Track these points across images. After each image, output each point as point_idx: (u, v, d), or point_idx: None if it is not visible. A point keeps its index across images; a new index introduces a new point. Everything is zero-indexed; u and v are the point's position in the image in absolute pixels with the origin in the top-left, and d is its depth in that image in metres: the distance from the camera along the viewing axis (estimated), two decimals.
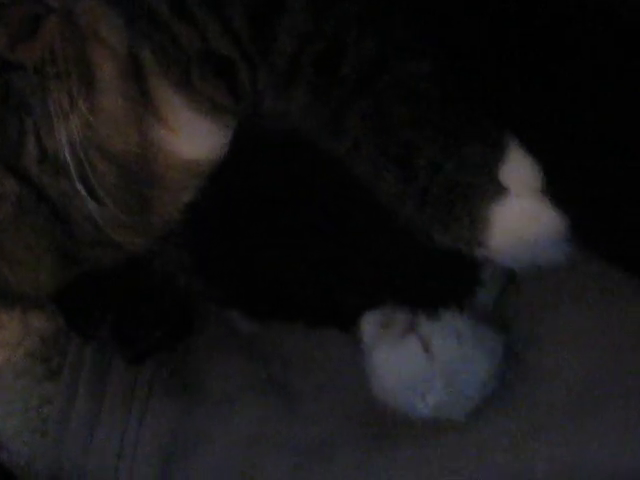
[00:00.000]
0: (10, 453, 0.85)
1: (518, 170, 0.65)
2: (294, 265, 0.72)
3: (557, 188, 0.64)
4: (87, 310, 0.77)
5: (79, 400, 0.85)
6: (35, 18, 0.68)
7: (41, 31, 0.68)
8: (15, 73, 0.68)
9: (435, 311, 0.72)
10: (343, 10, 0.68)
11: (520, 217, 0.65)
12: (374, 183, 0.68)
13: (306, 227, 0.72)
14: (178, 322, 0.79)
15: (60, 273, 0.72)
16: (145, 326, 0.77)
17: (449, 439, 0.77)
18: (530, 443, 0.74)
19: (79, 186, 0.67)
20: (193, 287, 0.74)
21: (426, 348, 0.72)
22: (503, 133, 0.65)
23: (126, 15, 0.71)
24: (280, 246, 0.72)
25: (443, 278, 0.73)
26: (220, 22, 0.71)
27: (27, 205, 0.69)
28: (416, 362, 0.72)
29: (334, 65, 0.67)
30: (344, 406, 0.81)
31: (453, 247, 0.67)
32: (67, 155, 0.67)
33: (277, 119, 0.71)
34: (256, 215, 0.72)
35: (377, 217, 0.70)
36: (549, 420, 0.75)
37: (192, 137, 0.73)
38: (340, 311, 0.75)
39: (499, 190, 0.65)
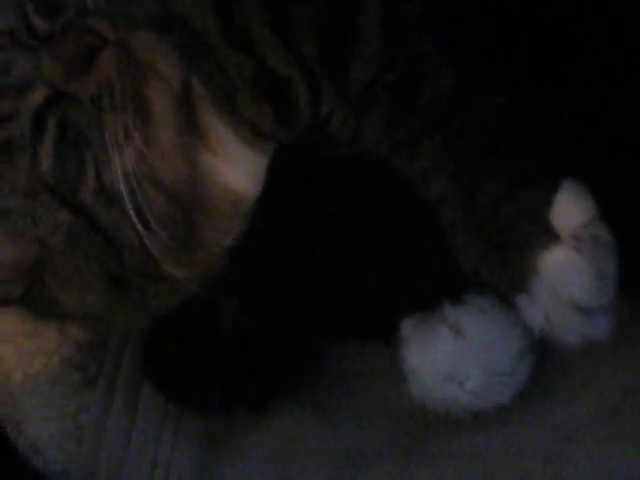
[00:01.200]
0: (46, 459, 0.86)
1: (568, 219, 0.65)
2: (347, 281, 0.73)
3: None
4: (194, 384, 0.77)
5: (115, 409, 0.86)
6: (91, 50, 0.68)
7: (97, 63, 0.68)
8: (71, 105, 0.68)
9: (458, 296, 0.72)
10: (419, 42, 0.69)
11: (567, 268, 0.65)
12: (438, 207, 0.69)
13: (361, 245, 0.73)
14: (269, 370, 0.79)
15: (109, 298, 0.73)
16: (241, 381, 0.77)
17: (482, 448, 0.77)
18: (564, 450, 0.75)
19: (132, 215, 0.67)
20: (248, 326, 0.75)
21: (456, 333, 0.72)
22: (558, 180, 0.65)
23: (176, 42, 0.71)
24: (333, 265, 0.73)
25: None
26: (285, 45, 0.71)
27: (79, 234, 0.69)
28: (448, 349, 0.72)
29: (410, 95, 0.68)
30: (379, 418, 0.81)
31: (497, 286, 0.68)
32: (122, 186, 0.67)
33: (342, 142, 0.72)
34: (309, 239, 0.73)
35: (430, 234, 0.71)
36: (584, 426, 0.75)
37: (239, 166, 0.74)
38: (385, 323, 0.75)
39: (550, 239, 0.65)
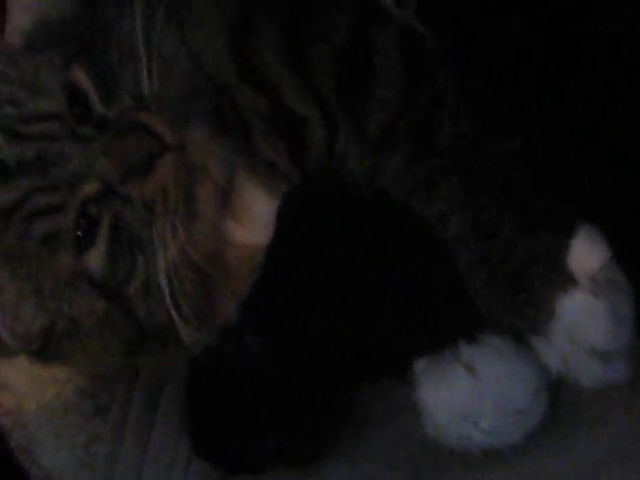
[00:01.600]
0: None
1: (585, 263, 0.65)
2: (362, 324, 0.73)
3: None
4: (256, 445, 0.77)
5: (127, 438, 0.86)
6: (151, 155, 0.67)
7: (155, 170, 0.67)
8: (124, 205, 0.68)
9: (474, 335, 0.72)
10: (438, 83, 0.69)
11: (584, 312, 0.65)
12: (455, 249, 0.69)
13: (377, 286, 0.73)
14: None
15: (123, 360, 0.74)
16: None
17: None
18: None
19: (169, 304, 0.68)
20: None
21: (470, 372, 0.72)
22: (573, 224, 0.66)
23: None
24: (347, 308, 0.73)
25: None
26: (303, 84, 0.71)
27: (112, 318, 0.70)
28: (463, 388, 0.72)
29: (429, 136, 0.68)
30: (395, 454, 0.81)
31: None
32: (163, 280, 0.68)
33: (359, 182, 0.72)
34: (322, 283, 0.73)
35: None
36: (600, 464, 0.74)
37: (259, 222, 0.74)
38: (400, 362, 0.75)
39: (567, 283, 0.65)
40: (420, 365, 0.74)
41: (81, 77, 0.69)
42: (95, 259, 0.68)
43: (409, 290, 0.72)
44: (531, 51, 0.70)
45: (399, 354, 0.74)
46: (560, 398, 0.74)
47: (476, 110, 0.68)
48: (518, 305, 0.67)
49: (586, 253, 0.65)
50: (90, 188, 0.68)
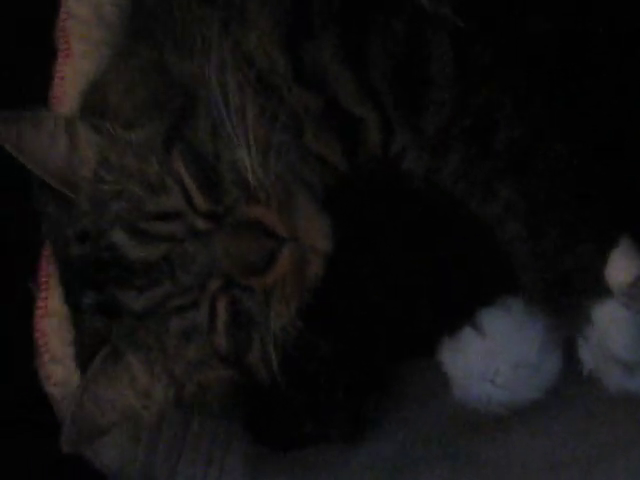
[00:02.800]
0: (104, 459, 0.88)
1: (621, 276, 0.69)
2: (404, 306, 0.77)
3: None
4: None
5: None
6: (271, 253, 0.70)
7: (275, 265, 0.71)
8: (243, 293, 0.72)
9: (486, 297, 0.76)
10: (492, 89, 0.71)
11: (613, 322, 0.69)
12: (511, 250, 0.72)
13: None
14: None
15: None
16: None
17: (525, 456, 0.80)
18: (601, 464, 0.78)
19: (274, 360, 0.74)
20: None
21: (480, 332, 0.76)
22: (615, 237, 0.69)
23: None
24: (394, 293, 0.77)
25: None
26: (361, 85, 0.73)
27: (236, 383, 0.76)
28: (475, 348, 0.76)
29: (485, 140, 0.71)
30: (427, 424, 0.85)
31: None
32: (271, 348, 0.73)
33: (416, 178, 0.74)
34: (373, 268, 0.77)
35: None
36: (622, 443, 0.78)
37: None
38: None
39: (603, 292, 0.69)
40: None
41: (181, 170, 0.72)
42: (218, 339, 0.73)
43: (445, 276, 0.76)
44: (582, 55, 0.72)
45: (431, 334, 0.78)
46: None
47: (532, 116, 0.70)
48: (561, 305, 0.71)
49: (623, 266, 0.69)
50: (215, 284, 0.72)
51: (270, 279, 0.72)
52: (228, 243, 0.71)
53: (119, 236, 0.73)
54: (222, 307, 0.73)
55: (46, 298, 0.90)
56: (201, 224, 0.72)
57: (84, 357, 0.77)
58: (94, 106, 0.79)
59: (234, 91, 0.73)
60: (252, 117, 0.72)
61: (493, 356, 0.75)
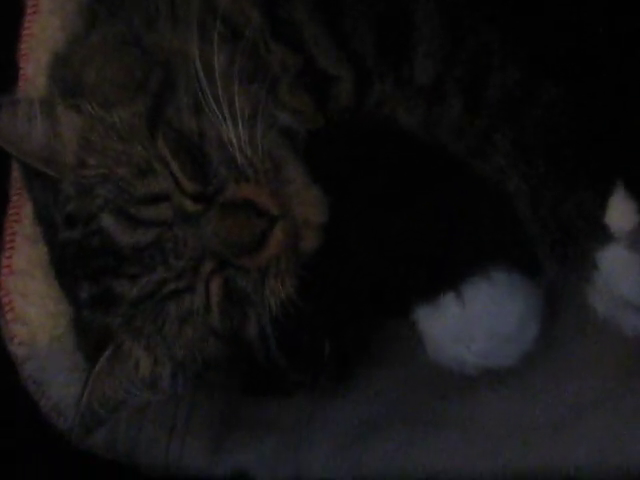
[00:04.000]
0: (68, 420, 0.87)
1: (622, 220, 0.70)
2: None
3: None
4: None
5: None
6: (263, 232, 0.70)
7: (268, 244, 0.71)
8: (237, 273, 0.72)
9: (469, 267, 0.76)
10: (482, 35, 0.71)
11: (620, 265, 0.70)
12: (515, 202, 0.73)
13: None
14: None
15: None
16: None
17: (492, 417, 0.81)
18: (574, 422, 0.79)
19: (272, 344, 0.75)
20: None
21: (460, 299, 0.76)
22: (613, 184, 0.70)
23: None
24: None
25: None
26: (338, 43, 0.73)
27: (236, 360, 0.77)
28: (453, 314, 0.76)
29: (479, 88, 0.71)
30: (391, 388, 0.86)
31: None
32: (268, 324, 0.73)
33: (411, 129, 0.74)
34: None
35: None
36: (593, 401, 0.79)
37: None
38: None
39: (606, 238, 0.70)
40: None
41: (166, 154, 0.72)
42: (213, 318, 0.73)
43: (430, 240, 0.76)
44: None
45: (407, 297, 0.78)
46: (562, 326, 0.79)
47: (522, 55, 0.70)
48: (567, 255, 0.72)
49: (623, 211, 0.70)
50: (208, 266, 0.72)
51: (263, 258, 0.72)
52: (218, 225, 0.70)
53: (108, 221, 0.72)
54: (216, 287, 0.72)
55: (10, 257, 0.89)
56: (190, 206, 0.71)
57: (88, 350, 0.79)
58: (67, 82, 0.77)
59: (214, 53, 0.72)
60: (237, 78, 0.72)
61: (470, 324, 0.76)
